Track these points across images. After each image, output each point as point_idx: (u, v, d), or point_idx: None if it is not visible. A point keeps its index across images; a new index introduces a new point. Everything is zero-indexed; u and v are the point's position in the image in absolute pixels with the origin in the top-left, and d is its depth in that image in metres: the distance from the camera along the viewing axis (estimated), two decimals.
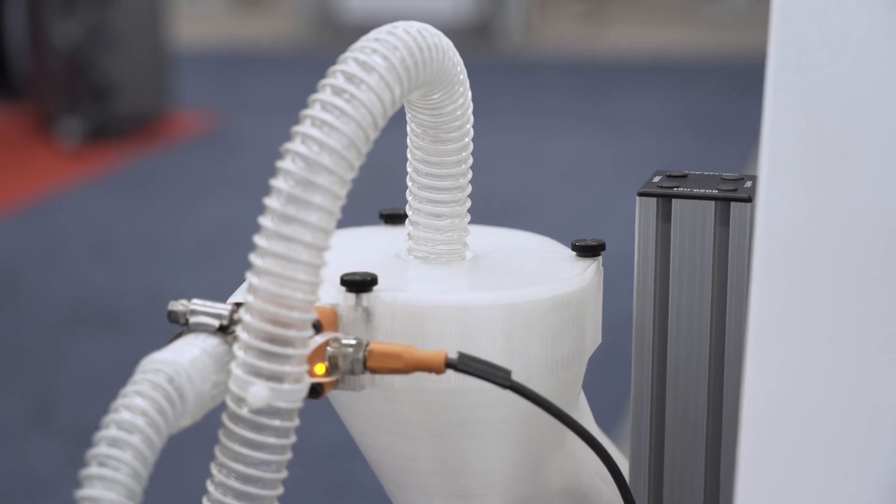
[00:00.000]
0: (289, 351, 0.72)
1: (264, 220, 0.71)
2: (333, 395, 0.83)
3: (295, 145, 0.71)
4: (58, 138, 4.75)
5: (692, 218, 0.82)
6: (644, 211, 0.83)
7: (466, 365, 0.74)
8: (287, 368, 0.72)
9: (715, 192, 0.82)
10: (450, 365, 0.74)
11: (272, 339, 0.71)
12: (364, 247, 0.87)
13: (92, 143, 4.75)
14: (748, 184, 0.84)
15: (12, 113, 5.13)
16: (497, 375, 0.75)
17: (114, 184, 4.54)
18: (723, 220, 0.82)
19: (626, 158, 4.75)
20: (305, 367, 0.73)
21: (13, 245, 4.04)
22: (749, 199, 0.81)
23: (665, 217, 0.83)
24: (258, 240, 0.71)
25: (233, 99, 5.71)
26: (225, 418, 0.73)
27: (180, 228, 4.11)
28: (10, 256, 3.95)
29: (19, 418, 3.19)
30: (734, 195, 0.82)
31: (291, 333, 0.72)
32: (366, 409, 0.81)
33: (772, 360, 0.71)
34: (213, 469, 0.73)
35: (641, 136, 5.06)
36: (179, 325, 0.76)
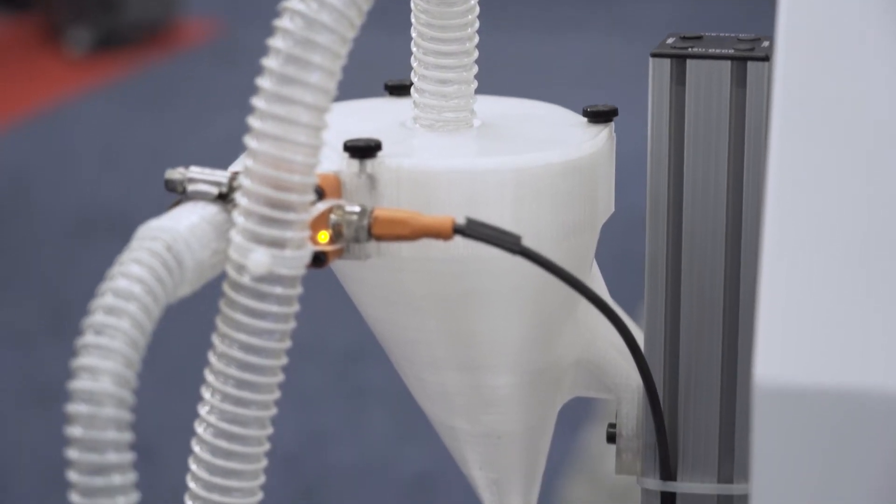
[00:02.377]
0: (290, 216, 0.69)
1: (262, 82, 0.68)
2: (339, 268, 0.81)
3: (293, 3, 0.68)
4: (65, 48, 4.71)
5: (707, 79, 0.79)
6: (657, 73, 0.80)
7: (475, 230, 0.72)
8: (288, 234, 0.69)
9: (731, 51, 0.79)
10: (458, 230, 0.72)
11: (273, 204, 0.69)
12: (368, 117, 0.84)
13: (99, 53, 4.72)
14: (765, 43, 0.81)
15: (20, 23, 5.08)
16: (507, 241, 0.72)
17: (122, 93, 4.51)
18: (739, 80, 0.79)
19: (637, 61, 4.70)
20: (307, 234, 0.70)
21: (22, 155, 4.01)
22: (766, 59, 0.78)
23: (679, 79, 0.80)
24: (256, 102, 0.69)
25: (241, 7, 5.65)
26: (226, 287, 0.71)
27: (189, 137, 4.09)
28: (19, 167, 3.93)
29: (33, 326, 3.19)
30: (751, 54, 0.79)
31: (292, 197, 0.69)
32: (372, 280, 0.79)
33: (791, 224, 0.68)
34: (215, 340, 0.71)
35: (655, 40, 5.01)
36: (177, 194, 0.73)
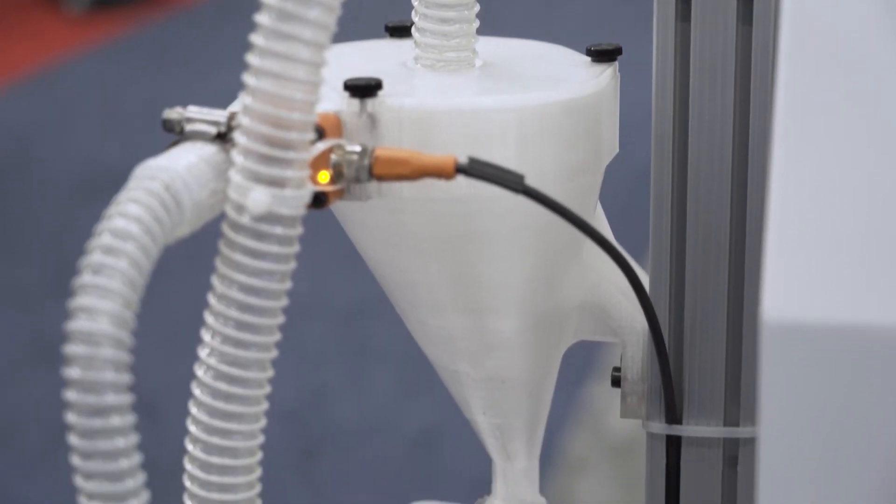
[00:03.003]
0: (289, 154, 0.68)
1: (260, 18, 0.67)
2: (339, 210, 0.80)
3: None
4: (64, 6, 4.68)
5: (713, 15, 0.78)
6: (662, 10, 0.79)
7: (477, 169, 0.71)
8: (288, 173, 0.68)
9: None
10: (460, 169, 0.70)
11: (272, 143, 0.68)
12: (368, 58, 0.83)
13: (99, 10, 4.69)
14: None
15: None
16: (509, 180, 0.71)
17: (122, 51, 4.49)
18: (745, 17, 0.78)
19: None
20: (307, 173, 0.69)
21: (23, 115, 4.00)
22: None
23: (684, 16, 0.79)
24: (254, 38, 0.67)
25: None
26: (225, 228, 0.69)
27: (190, 95, 4.06)
28: (19, 126, 3.91)
29: (36, 286, 3.19)
30: None
31: (292, 136, 0.68)
32: (373, 222, 0.78)
33: (798, 162, 0.67)
34: (215, 281, 0.70)
35: None
36: (175, 135, 0.72)
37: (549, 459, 2.56)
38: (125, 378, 0.63)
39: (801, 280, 0.63)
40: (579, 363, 2.93)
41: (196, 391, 0.70)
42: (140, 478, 0.64)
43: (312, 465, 2.70)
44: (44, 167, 3.60)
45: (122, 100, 4.05)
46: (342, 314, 3.20)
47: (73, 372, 0.63)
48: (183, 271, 2.66)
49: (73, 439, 0.63)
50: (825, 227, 0.64)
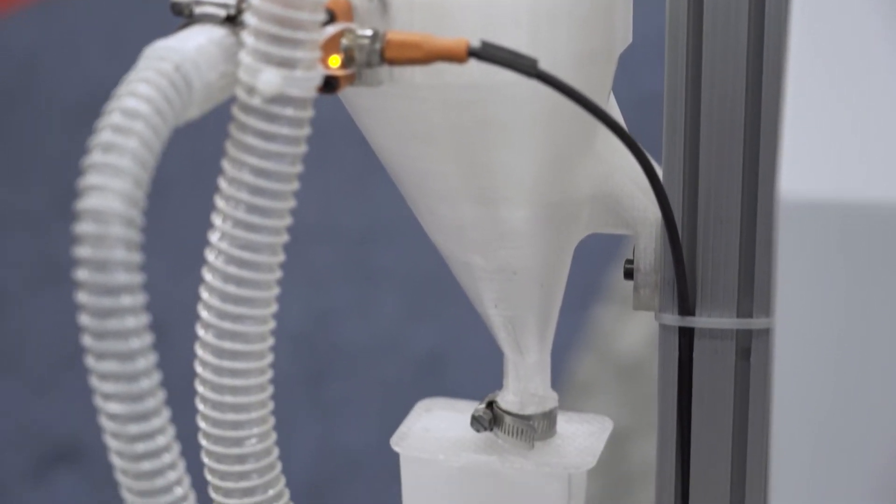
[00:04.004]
0: (300, 35, 0.67)
1: None
2: (350, 100, 0.79)
3: None
4: None
5: None
6: None
7: (490, 53, 0.70)
8: (298, 54, 0.67)
9: None
10: (472, 53, 0.70)
11: (282, 22, 0.67)
12: None
13: None
14: None
15: None
16: (522, 63, 0.70)
17: None
18: None
19: None
20: (318, 55, 0.68)
21: (28, 40, 3.98)
22: None
23: None
24: None
25: None
26: (235, 111, 0.69)
27: None
28: (25, 51, 3.89)
29: (42, 209, 3.19)
30: None
31: (302, 15, 0.67)
32: (385, 110, 0.77)
33: (815, 46, 0.66)
34: (226, 165, 0.69)
35: None
36: (184, 18, 0.71)
37: (557, 382, 2.57)
38: (136, 257, 0.63)
39: (818, 158, 0.63)
40: (585, 286, 2.93)
41: (207, 276, 0.70)
42: (151, 358, 0.64)
43: (320, 386, 2.71)
44: (50, 91, 3.59)
45: (127, 25, 4.03)
46: (349, 239, 3.20)
47: (83, 251, 0.62)
48: (191, 192, 2.66)
49: (84, 319, 0.63)
50: (843, 104, 0.64)
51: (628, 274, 0.83)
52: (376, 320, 2.90)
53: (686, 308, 0.80)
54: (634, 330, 2.80)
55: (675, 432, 0.83)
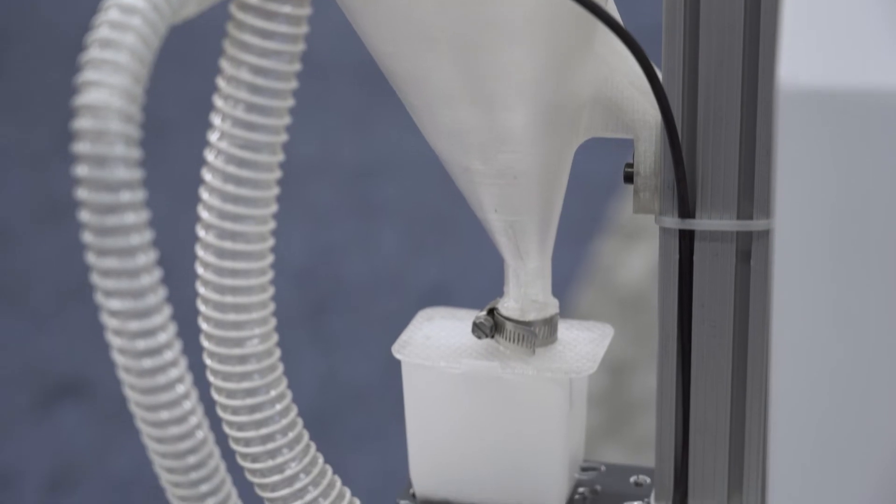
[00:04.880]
0: None
1: None
2: (348, 5, 0.79)
3: None
4: None
5: None
6: None
7: None
8: None
9: None
10: None
11: None
12: None
13: None
14: None
15: None
16: None
17: None
18: None
19: None
20: None
21: None
22: None
23: None
24: None
25: None
26: (233, 8, 0.69)
27: None
28: None
29: (43, 147, 3.19)
30: None
31: None
32: (383, 13, 0.77)
33: None
34: (224, 64, 0.69)
35: None
36: None
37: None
38: (135, 153, 0.63)
39: (818, 47, 0.62)
40: (586, 220, 2.93)
41: (207, 176, 0.70)
42: (152, 255, 0.64)
43: (322, 321, 2.71)
44: (50, 27, 3.57)
45: None
46: (350, 175, 3.20)
47: (82, 146, 0.62)
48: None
49: (85, 215, 0.63)
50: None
51: (628, 178, 0.82)
52: (378, 255, 2.90)
53: (686, 210, 0.80)
54: (635, 263, 2.80)
55: (675, 337, 0.83)
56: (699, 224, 0.81)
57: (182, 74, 2.99)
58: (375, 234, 2.97)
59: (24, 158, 3.15)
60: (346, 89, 3.42)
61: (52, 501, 2.33)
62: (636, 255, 2.82)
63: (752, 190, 0.80)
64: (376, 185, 3.15)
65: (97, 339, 2.67)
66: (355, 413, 2.43)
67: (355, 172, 3.20)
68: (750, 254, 0.81)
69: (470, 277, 2.69)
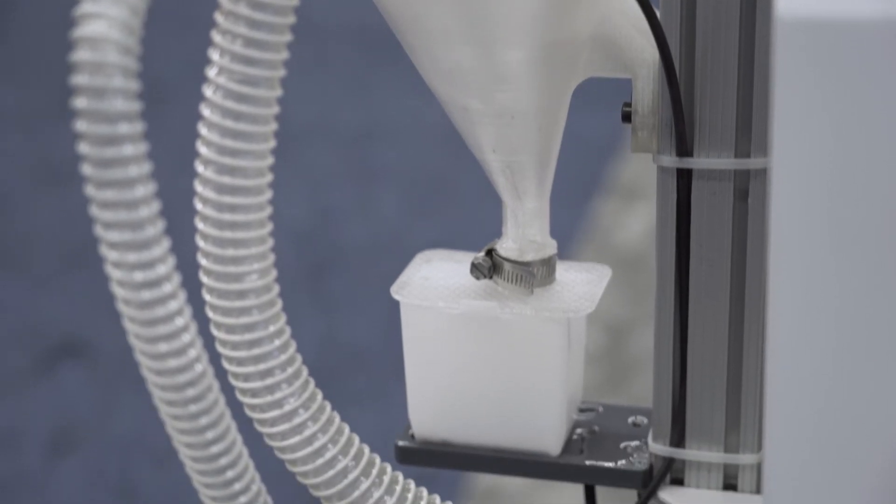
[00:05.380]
0: None
1: None
2: None
3: None
4: None
5: None
6: None
7: None
8: None
9: None
10: None
11: None
12: None
13: None
14: None
15: None
16: None
17: None
18: None
19: None
20: None
21: None
22: None
23: None
24: None
25: None
26: None
27: None
28: None
29: (41, 108, 3.18)
30: None
31: None
32: None
33: None
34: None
35: None
36: None
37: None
38: (134, 85, 0.63)
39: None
40: (585, 180, 2.93)
41: (206, 112, 0.70)
42: (150, 187, 0.64)
43: (322, 283, 2.71)
44: None
45: None
46: (349, 138, 3.20)
47: (80, 78, 0.63)
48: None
49: (84, 147, 0.63)
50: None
51: (626, 117, 0.82)
52: (377, 218, 2.90)
53: (684, 149, 0.81)
54: (634, 223, 2.80)
55: (673, 276, 0.84)
56: (697, 163, 0.81)
57: (180, 36, 2.98)
58: (374, 197, 2.97)
59: (23, 122, 3.15)
60: (346, 53, 3.42)
61: (54, 462, 2.33)
62: (635, 216, 2.82)
63: (750, 128, 0.80)
64: (375, 148, 3.15)
65: (98, 301, 2.69)
66: (355, 374, 2.44)
67: (354, 136, 3.20)
68: (748, 193, 0.81)
69: (469, 240, 2.69)
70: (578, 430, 0.91)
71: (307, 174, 3.01)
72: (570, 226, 2.74)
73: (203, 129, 0.70)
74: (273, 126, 0.71)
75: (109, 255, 0.65)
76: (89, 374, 2.52)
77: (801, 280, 0.65)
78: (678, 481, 0.88)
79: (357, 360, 2.48)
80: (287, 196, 2.83)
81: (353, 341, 2.55)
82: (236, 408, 0.74)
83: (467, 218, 2.78)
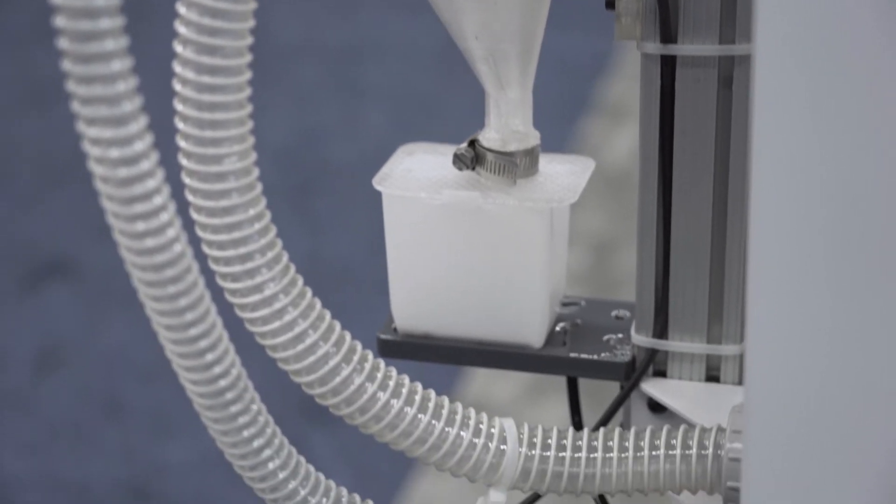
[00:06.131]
0: None
1: None
2: None
3: None
4: None
5: None
6: None
7: None
8: None
9: None
10: None
11: None
12: None
13: None
14: None
15: None
16: None
17: None
18: None
19: None
20: None
21: None
22: None
23: None
24: None
25: None
26: None
27: None
28: None
29: (23, 31, 3.16)
30: None
31: None
32: None
33: None
34: None
35: None
36: None
37: None
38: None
39: None
40: (572, 100, 2.92)
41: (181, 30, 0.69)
42: (128, 62, 0.63)
43: (308, 201, 2.71)
44: None
45: None
46: (335, 56, 3.18)
47: None
48: None
49: (60, 21, 0.62)
50: None
51: (610, 3, 0.82)
52: (363, 136, 2.89)
53: (668, 35, 0.80)
54: (621, 143, 2.79)
55: (656, 165, 0.83)
56: (681, 49, 0.80)
57: None
58: (361, 116, 2.96)
59: (4, 42, 3.13)
60: None
61: (40, 379, 2.34)
62: (621, 136, 2.81)
63: (735, 13, 0.79)
64: (362, 67, 3.13)
65: (83, 220, 2.69)
66: (341, 289, 2.44)
67: (340, 55, 3.18)
68: (732, 80, 0.81)
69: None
70: (561, 324, 0.90)
71: (293, 93, 2.99)
72: (558, 146, 2.73)
73: (182, 8, 0.69)
74: (253, 4, 0.70)
75: (87, 132, 0.64)
76: (75, 293, 2.51)
77: (785, 169, 0.65)
78: (661, 373, 0.88)
79: (343, 275, 2.48)
80: (273, 115, 2.81)
81: (339, 258, 2.54)
82: (216, 292, 0.74)
83: (454, 136, 2.77)
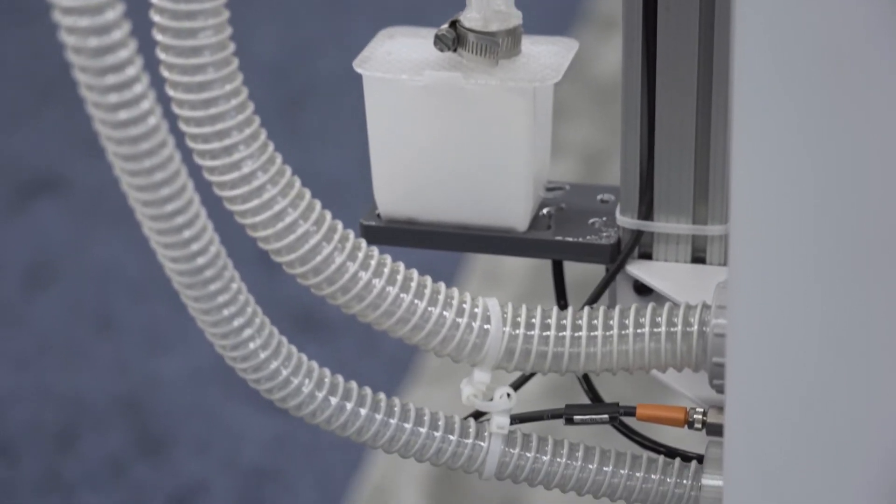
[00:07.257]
0: None
1: None
2: None
3: None
4: None
5: None
6: None
7: None
8: None
9: None
10: None
11: None
12: None
13: None
14: None
15: None
16: None
17: None
18: None
19: None
20: None
21: None
22: None
23: None
24: None
25: None
26: None
27: None
28: None
29: None
30: None
31: None
32: None
33: None
34: None
35: None
36: None
37: None
38: None
39: None
40: (563, 10, 2.90)
41: None
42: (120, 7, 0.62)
43: (298, 115, 2.69)
44: None
45: None
46: None
47: None
48: None
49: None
50: None
51: None
52: (352, 50, 2.87)
53: None
54: (611, 54, 2.77)
55: (640, 43, 0.82)
56: None
57: None
58: (350, 30, 2.94)
59: None
60: None
61: (32, 294, 2.33)
62: (611, 47, 2.79)
63: None
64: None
65: (72, 136, 2.67)
66: (331, 204, 2.43)
67: None
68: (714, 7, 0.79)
69: None
70: (546, 208, 0.90)
71: (281, 7, 2.96)
72: None
73: None
74: None
75: (59, 2, 0.63)
76: (64, 208, 2.50)
77: (768, 45, 0.64)
78: (647, 256, 0.88)
79: (333, 190, 2.47)
80: (260, 30, 2.79)
81: (329, 172, 2.53)
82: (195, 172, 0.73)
83: None
